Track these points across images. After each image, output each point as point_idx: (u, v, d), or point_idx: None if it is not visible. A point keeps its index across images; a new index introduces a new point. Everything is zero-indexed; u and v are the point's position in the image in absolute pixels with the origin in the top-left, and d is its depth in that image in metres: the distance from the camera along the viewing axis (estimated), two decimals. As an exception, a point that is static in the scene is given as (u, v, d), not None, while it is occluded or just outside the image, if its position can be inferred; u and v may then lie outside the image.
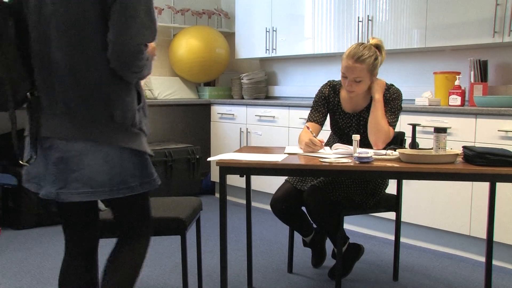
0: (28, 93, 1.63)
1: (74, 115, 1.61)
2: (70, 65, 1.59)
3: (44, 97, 1.64)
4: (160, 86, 5.10)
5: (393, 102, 2.64)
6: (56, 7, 1.57)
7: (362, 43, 2.59)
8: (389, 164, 2.18)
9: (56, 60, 1.59)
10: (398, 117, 2.66)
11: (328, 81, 2.82)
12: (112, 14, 1.56)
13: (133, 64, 1.59)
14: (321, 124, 2.77)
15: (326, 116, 2.80)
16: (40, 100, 1.64)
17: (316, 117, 2.76)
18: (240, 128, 4.71)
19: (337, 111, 2.77)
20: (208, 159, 2.51)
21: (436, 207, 3.39)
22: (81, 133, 1.61)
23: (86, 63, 1.59)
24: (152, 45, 1.72)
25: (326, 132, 2.91)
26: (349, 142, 2.49)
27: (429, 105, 3.54)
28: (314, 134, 2.58)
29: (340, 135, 2.80)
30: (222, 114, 4.88)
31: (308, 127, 2.62)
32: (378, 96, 2.60)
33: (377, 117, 2.58)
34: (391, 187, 2.82)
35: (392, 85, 2.70)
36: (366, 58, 2.52)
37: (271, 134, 4.43)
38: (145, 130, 1.74)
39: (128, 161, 1.68)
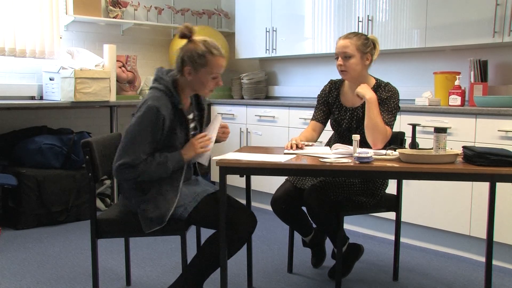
0: None
1: None
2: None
3: None
4: (160, 86, 5.13)
5: (388, 101, 2.62)
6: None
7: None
8: (389, 164, 2.18)
9: None
10: (395, 116, 2.63)
11: (330, 80, 2.86)
12: None
13: (120, 180, 2.33)
14: (323, 122, 2.79)
15: (329, 114, 2.81)
16: None
17: (318, 116, 2.79)
18: (240, 128, 4.71)
19: (335, 104, 2.78)
20: (208, 159, 2.54)
21: (436, 207, 3.39)
22: None
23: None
24: (226, 130, 2.68)
25: (327, 132, 2.91)
26: (346, 138, 2.49)
27: (429, 105, 3.53)
28: (304, 142, 2.61)
29: (337, 129, 2.79)
30: (222, 114, 4.87)
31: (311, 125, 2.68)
32: (370, 95, 2.56)
33: (372, 116, 2.54)
34: (391, 187, 2.82)
35: (388, 83, 2.69)
36: (354, 36, 2.62)
37: (271, 134, 4.43)
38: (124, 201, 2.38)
39: None
